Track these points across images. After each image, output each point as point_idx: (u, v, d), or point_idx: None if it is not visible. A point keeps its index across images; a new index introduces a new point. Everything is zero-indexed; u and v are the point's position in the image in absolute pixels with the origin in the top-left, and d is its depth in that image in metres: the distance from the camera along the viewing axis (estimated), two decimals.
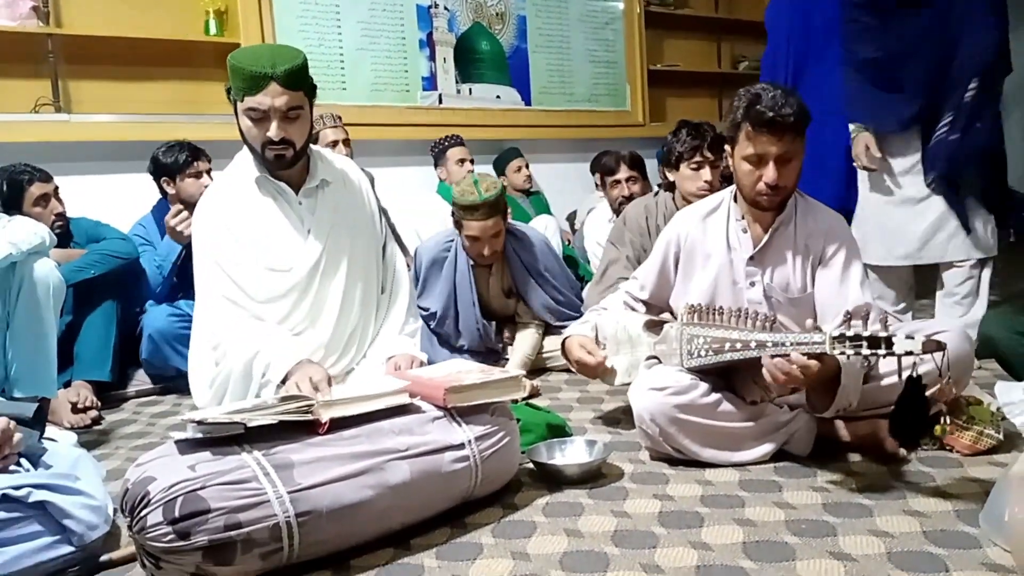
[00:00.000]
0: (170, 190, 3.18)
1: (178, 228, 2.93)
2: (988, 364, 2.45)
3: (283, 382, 1.87)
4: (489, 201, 2.76)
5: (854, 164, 2.84)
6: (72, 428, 2.51)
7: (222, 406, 1.75)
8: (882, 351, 1.51)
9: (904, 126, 2.69)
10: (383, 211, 2.29)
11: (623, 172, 3.68)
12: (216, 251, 1.99)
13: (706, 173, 2.80)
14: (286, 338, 1.98)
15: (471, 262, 2.93)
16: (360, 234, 2.12)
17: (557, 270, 3.07)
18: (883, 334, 1.51)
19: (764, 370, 1.69)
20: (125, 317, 3.08)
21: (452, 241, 2.97)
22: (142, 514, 1.36)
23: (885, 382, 1.88)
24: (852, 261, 2.01)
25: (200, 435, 1.48)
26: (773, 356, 1.66)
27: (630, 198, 3.52)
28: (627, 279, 2.71)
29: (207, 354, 2.06)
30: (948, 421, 1.83)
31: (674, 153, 2.85)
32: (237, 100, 1.89)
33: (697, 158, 2.79)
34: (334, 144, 3.39)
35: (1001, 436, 1.85)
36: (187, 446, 1.48)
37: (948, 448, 1.87)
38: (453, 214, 2.88)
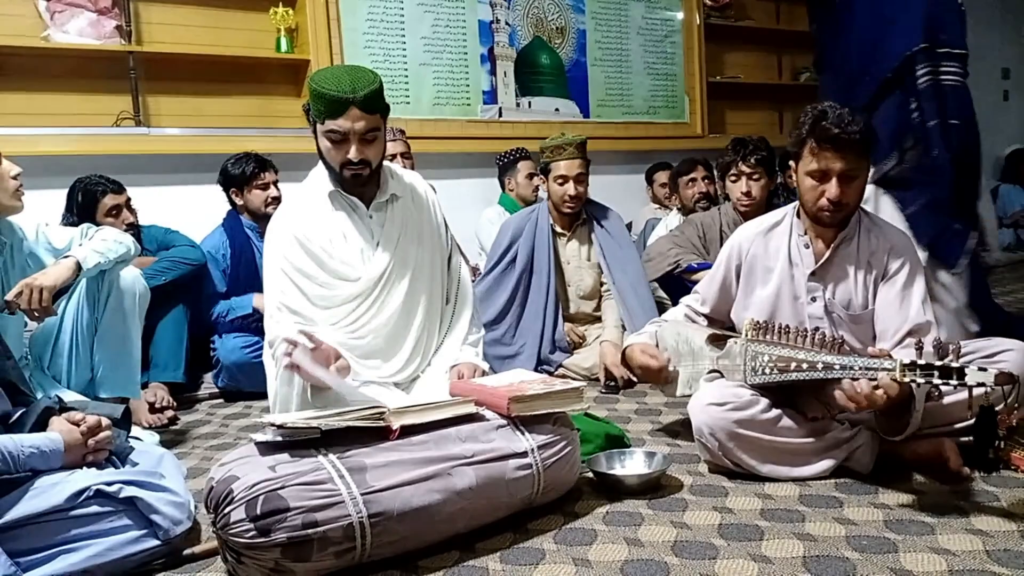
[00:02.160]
0: (238, 201, 3.31)
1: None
2: None
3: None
4: (576, 142, 3.09)
5: None
6: (150, 427, 2.64)
7: (300, 412, 1.82)
8: (954, 381, 1.50)
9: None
10: (447, 224, 2.36)
11: (699, 171, 3.86)
12: (284, 261, 2.07)
13: (743, 185, 3.03)
14: (321, 330, 2.00)
15: (552, 225, 3.18)
16: (426, 246, 2.18)
17: (636, 259, 3.24)
18: (955, 364, 1.50)
19: (839, 392, 1.68)
20: (194, 320, 3.22)
21: (535, 210, 3.25)
22: (226, 511, 1.45)
23: (947, 400, 1.86)
24: (915, 278, 2.00)
25: (279, 438, 1.56)
26: (854, 379, 1.65)
27: (706, 195, 3.77)
28: (672, 248, 3.06)
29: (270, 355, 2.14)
30: (1003, 445, 1.83)
31: (720, 166, 3.15)
32: (317, 121, 1.97)
33: (733, 171, 3.04)
34: (393, 157, 3.49)
35: None
36: (267, 448, 1.56)
37: (1013, 467, 1.86)
38: (541, 167, 3.18)
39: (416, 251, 2.15)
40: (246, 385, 3.08)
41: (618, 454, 2.00)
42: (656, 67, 5.14)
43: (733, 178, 3.04)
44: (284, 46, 3.98)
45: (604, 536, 1.64)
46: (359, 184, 2.04)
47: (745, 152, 3.01)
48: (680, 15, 5.19)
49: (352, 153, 1.96)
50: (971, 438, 1.88)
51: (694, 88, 5.23)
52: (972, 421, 1.83)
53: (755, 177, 3.01)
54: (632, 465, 1.96)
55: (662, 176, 4.78)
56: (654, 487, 1.87)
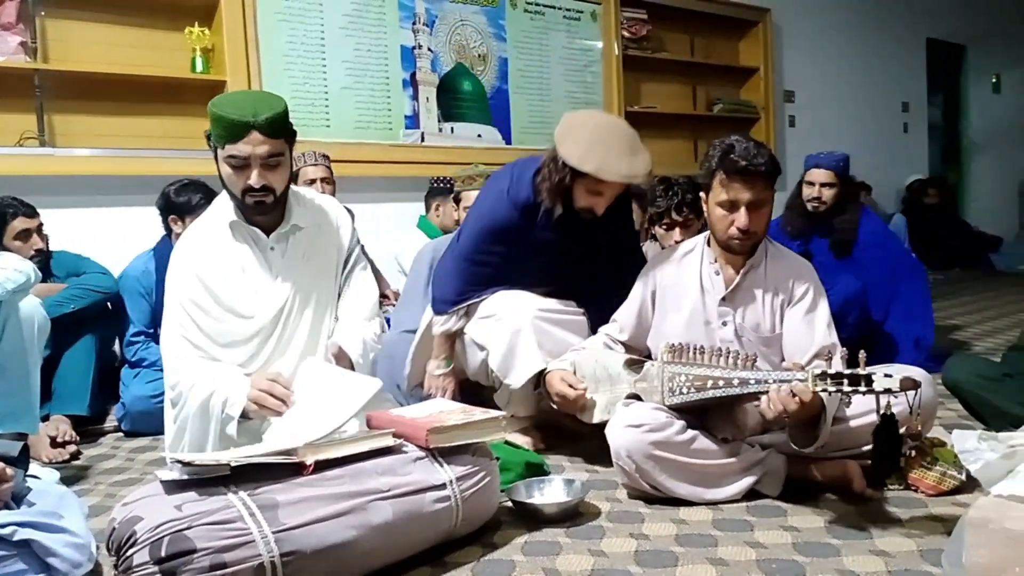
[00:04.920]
0: (176, 229, 3.07)
1: None
2: (952, 405, 2.53)
3: (244, 416, 1.90)
4: (486, 173, 3.26)
5: None
6: (50, 462, 2.51)
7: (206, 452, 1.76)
8: (862, 388, 1.57)
9: None
10: (359, 244, 2.29)
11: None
12: (182, 294, 2.01)
13: (676, 234, 2.84)
14: (238, 374, 1.98)
15: None
16: (328, 276, 2.13)
17: None
18: (863, 372, 1.58)
19: (765, 399, 1.74)
20: (103, 350, 3.08)
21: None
22: (128, 553, 1.38)
23: (853, 423, 1.94)
24: (819, 303, 2.10)
25: (186, 476, 1.50)
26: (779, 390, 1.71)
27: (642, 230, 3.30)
28: None
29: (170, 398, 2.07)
30: (912, 453, 1.93)
31: (651, 212, 2.93)
32: (218, 147, 1.92)
33: (666, 220, 2.85)
34: (312, 182, 3.43)
35: (964, 477, 1.91)
36: (173, 486, 1.50)
37: (913, 488, 1.94)
38: (453, 196, 3.40)
39: (319, 283, 2.10)
40: (150, 429, 2.90)
41: (537, 482, 2.00)
42: (577, 96, 5.23)
43: (666, 226, 2.88)
44: (200, 66, 3.88)
45: (522, 567, 1.63)
46: (262, 212, 1.99)
47: (679, 202, 2.84)
48: (599, 45, 5.30)
49: (253, 179, 1.91)
50: (871, 449, 1.96)
51: None
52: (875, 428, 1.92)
53: (688, 225, 2.86)
54: (551, 493, 1.97)
55: None
56: (572, 515, 1.88)
